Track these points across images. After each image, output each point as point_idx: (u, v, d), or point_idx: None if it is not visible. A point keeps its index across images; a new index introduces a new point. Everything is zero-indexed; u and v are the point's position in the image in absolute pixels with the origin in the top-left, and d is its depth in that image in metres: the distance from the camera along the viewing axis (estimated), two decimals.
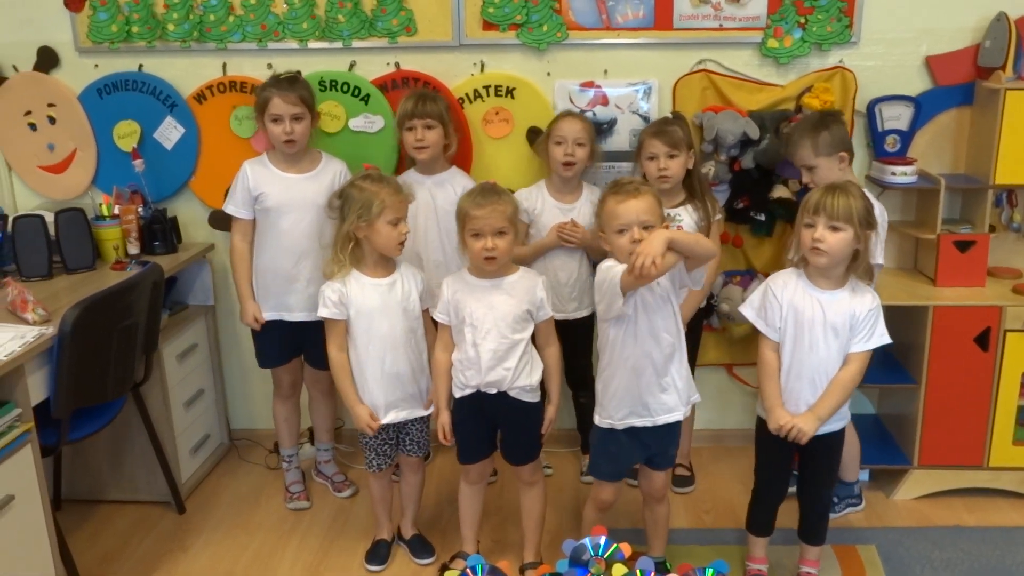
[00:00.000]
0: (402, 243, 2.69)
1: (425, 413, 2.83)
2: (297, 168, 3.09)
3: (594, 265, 3.11)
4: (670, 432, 2.59)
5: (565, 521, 3.13)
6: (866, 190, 2.86)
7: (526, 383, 2.65)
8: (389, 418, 2.78)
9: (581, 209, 3.11)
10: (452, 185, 3.12)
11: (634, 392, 2.51)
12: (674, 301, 2.50)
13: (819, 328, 2.48)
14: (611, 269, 2.41)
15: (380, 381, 2.75)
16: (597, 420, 2.60)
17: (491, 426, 2.75)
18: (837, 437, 2.61)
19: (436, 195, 3.10)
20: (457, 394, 2.70)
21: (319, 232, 3.06)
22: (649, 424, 2.54)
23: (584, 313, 3.19)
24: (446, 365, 2.71)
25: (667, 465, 2.67)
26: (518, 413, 2.68)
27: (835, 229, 2.40)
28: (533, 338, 2.69)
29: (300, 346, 3.23)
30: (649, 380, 2.50)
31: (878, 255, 2.82)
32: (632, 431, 2.55)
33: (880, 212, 2.83)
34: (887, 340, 2.51)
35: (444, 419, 2.72)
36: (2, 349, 2.40)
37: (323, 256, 3.05)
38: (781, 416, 2.51)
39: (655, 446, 2.59)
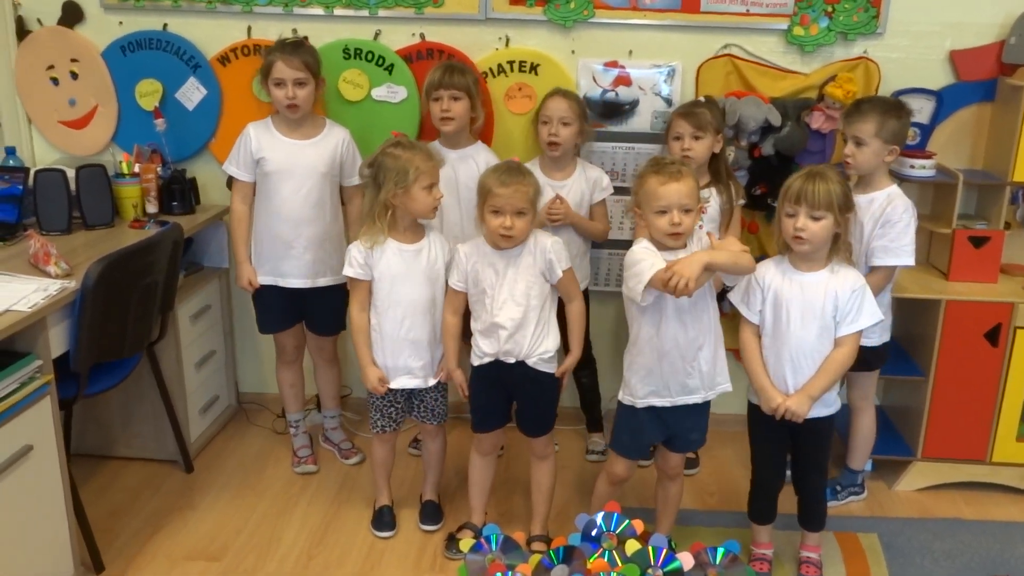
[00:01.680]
0: (435, 208, 2.71)
1: (433, 383, 2.85)
2: (300, 133, 3.09)
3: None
4: (691, 415, 2.60)
5: (571, 497, 3.16)
6: (899, 187, 2.91)
7: (543, 351, 2.68)
8: (399, 383, 2.82)
9: (572, 187, 3.13)
10: (475, 160, 3.13)
11: (656, 373, 2.54)
12: (708, 293, 2.51)
13: (797, 309, 2.51)
14: (644, 261, 2.40)
15: (396, 346, 2.78)
16: (620, 396, 2.64)
17: (507, 396, 2.78)
18: (826, 423, 2.63)
19: (458, 170, 3.09)
20: (475, 362, 2.73)
21: (319, 199, 3.08)
22: (668, 404, 2.56)
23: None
24: (456, 327, 2.76)
25: (685, 448, 2.70)
26: (534, 383, 2.71)
27: (816, 218, 2.43)
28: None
29: (300, 312, 3.25)
30: (674, 363, 2.52)
31: (905, 255, 2.83)
32: (652, 410, 2.58)
33: (908, 208, 2.86)
34: (878, 318, 2.54)
35: (458, 377, 2.77)
36: (26, 301, 2.41)
37: (322, 224, 3.06)
38: (774, 396, 2.54)
39: (675, 427, 2.62)
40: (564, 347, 2.82)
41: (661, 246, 2.46)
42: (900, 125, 2.87)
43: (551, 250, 2.67)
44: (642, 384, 2.56)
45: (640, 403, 2.58)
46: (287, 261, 3.11)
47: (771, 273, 2.56)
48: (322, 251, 3.12)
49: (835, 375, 2.54)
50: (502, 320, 2.64)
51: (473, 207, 3.02)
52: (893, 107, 2.90)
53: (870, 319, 2.52)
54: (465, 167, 3.10)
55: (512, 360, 2.68)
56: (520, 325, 2.64)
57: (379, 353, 2.81)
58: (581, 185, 3.13)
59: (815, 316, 2.50)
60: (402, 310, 2.75)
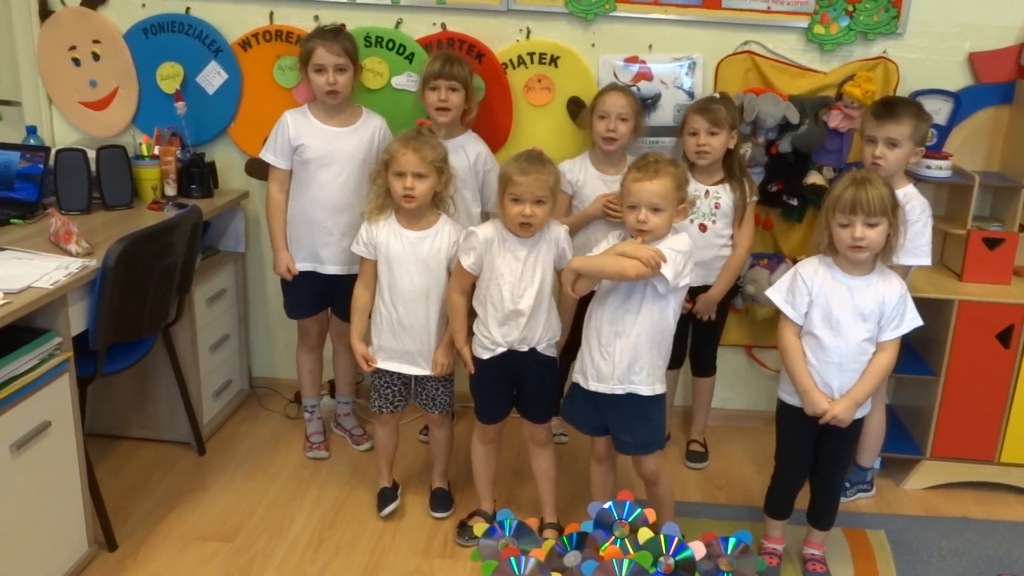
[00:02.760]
0: (407, 197, 2.71)
1: (427, 373, 2.86)
2: (338, 121, 3.11)
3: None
4: (621, 413, 2.61)
5: (581, 487, 3.17)
6: (915, 187, 2.91)
7: (551, 335, 2.74)
8: (388, 365, 2.86)
9: None
10: (465, 150, 3.14)
11: (583, 351, 2.65)
12: (651, 295, 2.51)
13: (848, 314, 2.51)
14: (597, 246, 2.63)
15: (388, 328, 2.82)
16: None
17: (513, 385, 2.80)
18: (856, 425, 2.64)
19: (450, 160, 3.10)
20: (484, 355, 2.74)
21: (357, 186, 3.09)
22: (584, 386, 2.63)
23: None
24: (464, 306, 2.77)
25: (622, 450, 2.69)
26: (542, 367, 2.75)
27: (872, 225, 2.42)
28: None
29: (329, 299, 3.27)
30: (591, 341, 2.60)
31: (922, 255, 2.85)
32: (582, 389, 2.65)
33: (925, 208, 2.87)
34: (919, 322, 2.54)
35: (467, 353, 2.78)
36: (47, 278, 2.43)
37: (359, 211, 3.08)
38: (820, 401, 2.52)
39: (607, 418, 2.65)
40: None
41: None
42: (927, 128, 2.91)
43: (564, 239, 2.72)
44: (579, 359, 2.68)
45: (573, 377, 2.70)
46: (325, 248, 3.13)
47: (819, 275, 2.54)
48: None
49: (879, 380, 2.56)
50: (523, 307, 2.66)
51: (465, 196, 3.11)
52: (922, 110, 2.92)
53: (912, 323, 2.53)
54: (456, 157, 3.10)
55: (525, 348, 2.70)
56: (536, 312, 2.68)
57: (375, 332, 2.85)
58: None
59: (864, 320, 2.51)
60: (397, 294, 2.79)
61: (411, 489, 3.15)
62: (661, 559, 2.05)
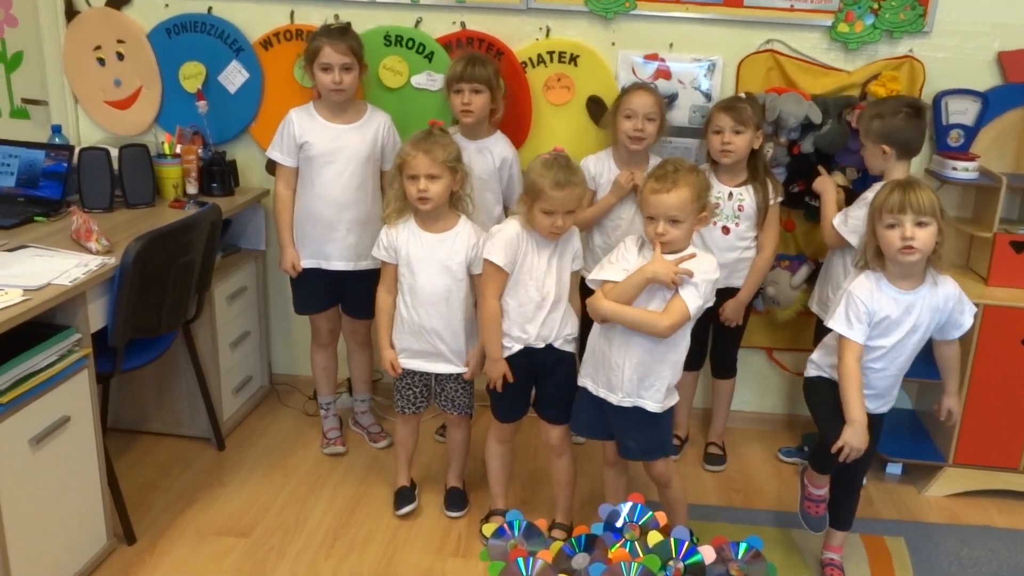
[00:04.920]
0: (422, 199, 2.70)
1: (449, 371, 2.86)
2: (343, 118, 3.12)
3: None
4: (628, 419, 2.58)
5: (597, 488, 3.15)
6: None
7: (568, 332, 2.74)
8: (410, 365, 2.87)
9: None
10: (492, 153, 3.13)
11: (589, 357, 2.64)
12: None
13: (907, 330, 2.48)
14: (611, 265, 2.55)
15: (408, 329, 2.83)
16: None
17: (531, 383, 2.80)
18: (880, 422, 2.62)
19: (474, 162, 3.08)
20: (507, 353, 2.74)
21: (362, 183, 3.10)
22: (593, 391, 2.62)
23: None
24: (499, 314, 2.70)
25: (623, 453, 2.67)
26: (561, 362, 2.75)
27: (922, 224, 2.36)
28: None
29: (339, 295, 3.28)
30: (604, 352, 2.57)
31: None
32: (590, 394, 2.63)
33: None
34: (974, 309, 2.57)
35: (504, 368, 2.72)
36: (67, 275, 2.46)
37: (364, 207, 3.11)
38: (857, 437, 2.44)
39: (613, 423, 2.63)
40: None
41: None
42: (883, 125, 2.86)
43: (577, 240, 2.75)
44: (584, 363, 2.66)
45: (580, 381, 2.67)
46: (330, 244, 3.15)
47: (875, 294, 2.46)
48: (364, 234, 3.15)
49: (960, 367, 2.69)
50: (548, 303, 2.67)
51: (486, 200, 3.11)
52: (884, 108, 2.90)
53: (971, 316, 2.54)
54: (481, 159, 3.11)
55: (542, 344, 2.71)
56: (556, 307, 2.69)
57: (397, 334, 2.86)
58: None
59: (915, 332, 2.49)
60: (416, 296, 2.79)
61: (426, 488, 3.15)
62: (670, 563, 2.03)
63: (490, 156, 3.13)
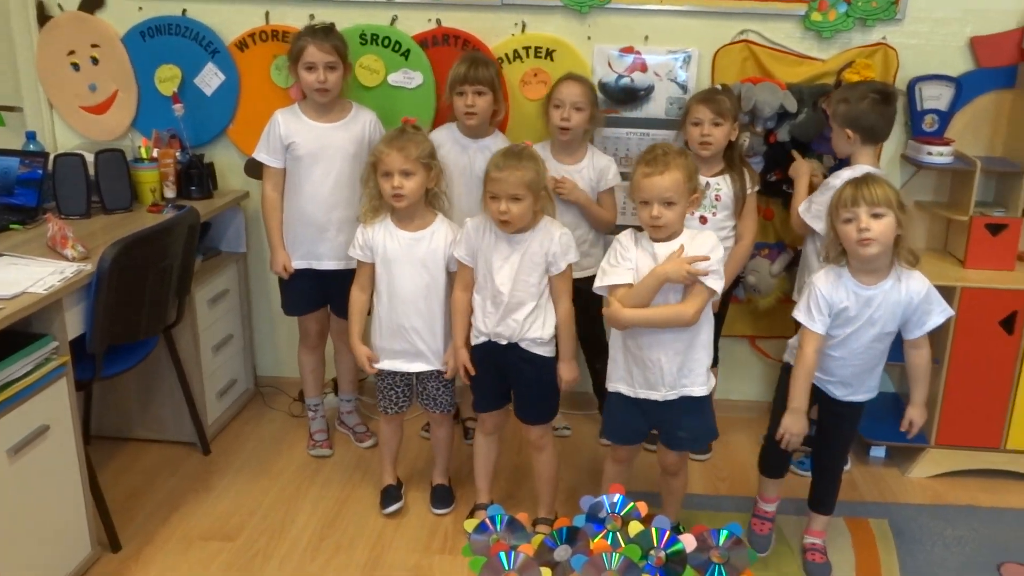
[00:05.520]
0: (396, 196, 2.71)
1: (428, 368, 2.86)
2: (328, 117, 3.12)
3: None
4: (673, 412, 2.56)
5: (583, 480, 3.17)
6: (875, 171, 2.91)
7: (537, 335, 2.69)
8: (388, 365, 2.87)
9: (582, 172, 3.13)
10: (490, 151, 3.12)
11: (619, 361, 2.58)
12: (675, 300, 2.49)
13: (864, 322, 2.49)
14: (616, 268, 2.48)
15: (387, 329, 2.83)
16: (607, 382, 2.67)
17: (503, 378, 2.80)
18: (861, 408, 2.65)
19: (475, 160, 3.09)
20: (472, 340, 2.76)
21: (349, 181, 3.10)
22: (632, 395, 2.57)
23: (586, 274, 3.20)
24: (465, 304, 2.76)
25: (676, 446, 2.66)
26: (529, 365, 2.72)
27: (878, 216, 2.37)
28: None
29: (327, 295, 3.28)
30: (634, 354, 2.53)
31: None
32: (627, 398, 2.59)
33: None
34: (949, 313, 2.52)
35: (463, 356, 2.77)
36: (42, 283, 2.45)
37: (353, 205, 3.10)
38: (797, 423, 2.54)
39: (657, 419, 2.60)
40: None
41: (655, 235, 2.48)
42: (848, 109, 2.88)
43: (559, 242, 2.66)
44: (613, 368, 2.61)
45: (611, 387, 2.62)
46: (321, 244, 3.15)
47: (836, 291, 2.49)
48: (353, 233, 3.14)
49: (929, 374, 2.63)
50: (499, 299, 2.66)
51: (479, 198, 3.08)
52: (851, 92, 2.92)
53: (942, 316, 2.51)
54: (482, 157, 3.10)
55: (504, 342, 2.70)
56: (515, 307, 2.66)
57: (374, 334, 2.86)
58: (590, 172, 3.13)
59: (874, 326, 2.50)
60: (394, 295, 2.80)
61: (412, 486, 3.16)
62: (652, 552, 2.04)
63: (489, 154, 3.12)
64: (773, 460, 2.80)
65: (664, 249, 2.47)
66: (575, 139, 3.10)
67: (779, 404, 2.69)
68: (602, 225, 3.20)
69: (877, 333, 2.50)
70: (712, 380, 2.60)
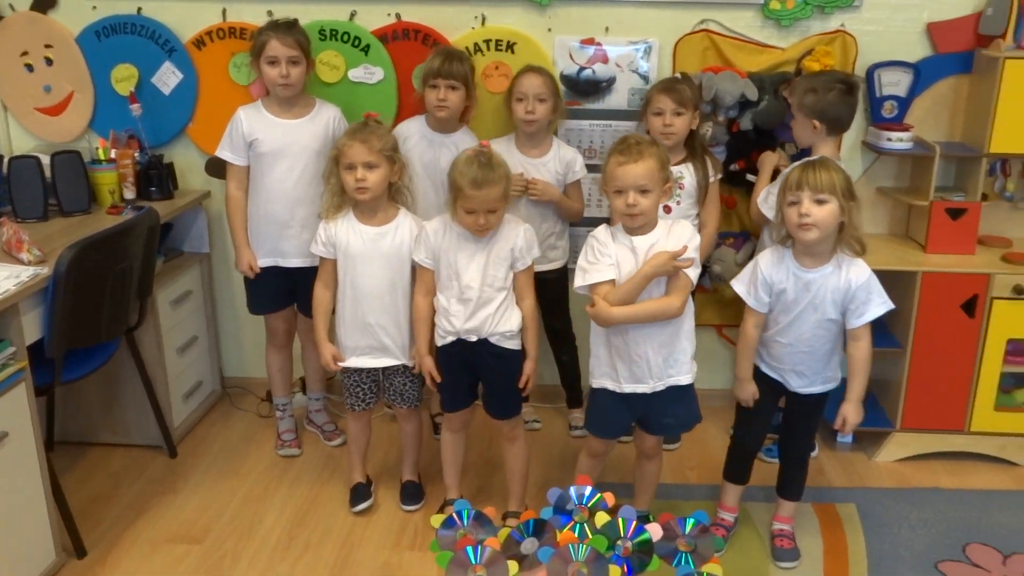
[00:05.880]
0: (359, 189, 2.70)
1: (394, 363, 2.85)
2: (292, 114, 3.09)
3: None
4: (660, 401, 2.57)
5: (553, 473, 3.17)
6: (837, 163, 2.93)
7: (505, 329, 2.69)
8: (354, 362, 2.85)
9: (548, 165, 3.13)
10: (459, 147, 3.10)
11: (603, 357, 2.58)
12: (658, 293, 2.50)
13: (805, 306, 2.52)
14: (596, 265, 2.48)
15: (352, 325, 2.82)
16: (590, 378, 2.67)
17: (472, 375, 2.78)
18: (822, 398, 2.67)
19: (441, 155, 3.09)
20: (439, 342, 2.74)
21: (314, 178, 3.07)
22: (617, 390, 2.58)
23: (553, 266, 3.21)
24: (426, 311, 2.74)
25: (660, 432, 2.69)
26: (498, 360, 2.71)
27: (820, 202, 2.40)
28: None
29: (293, 293, 3.25)
30: (619, 350, 2.53)
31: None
32: (613, 393, 2.59)
33: None
34: (889, 306, 2.52)
35: (428, 364, 2.76)
36: None
37: (318, 202, 3.07)
38: (743, 391, 2.65)
39: (643, 409, 2.61)
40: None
41: (631, 228, 2.49)
42: (816, 100, 2.88)
43: (523, 237, 2.67)
44: (596, 365, 2.61)
45: (596, 383, 2.62)
46: (286, 241, 3.12)
47: (778, 266, 2.53)
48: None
49: (867, 369, 2.59)
50: (469, 296, 2.65)
51: (444, 193, 3.07)
52: (817, 82, 2.92)
53: (880, 309, 2.52)
54: (449, 153, 3.09)
55: (474, 338, 2.68)
56: (484, 304, 2.65)
57: (339, 331, 2.84)
58: (556, 165, 3.13)
59: (815, 311, 2.51)
60: (359, 291, 2.78)
61: (382, 482, 3.14)
62: (619, 542, 2.04)
63: (456, 151, 3.10)
64: (737, 465, 2.83)
65: (642, 242, 2.48)
66: (540, 131, 3.10)
67: (741, 409, 2.75)
68: (573, 216, 3.21)
69: (820, 319, 2.52)
70: (695, 366, 2.62)
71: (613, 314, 2.44)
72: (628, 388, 2.56)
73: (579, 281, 2.51)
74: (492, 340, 2.68)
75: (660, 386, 2.55)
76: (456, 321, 2.67)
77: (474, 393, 2.83)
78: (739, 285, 2.63)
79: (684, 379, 2.57)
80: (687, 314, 2.53)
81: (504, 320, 2.68)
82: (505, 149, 3.13)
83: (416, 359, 2.82)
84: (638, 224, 2.45)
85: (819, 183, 2.38)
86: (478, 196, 2.54)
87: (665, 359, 2.53)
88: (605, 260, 2.48)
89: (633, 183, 2.40)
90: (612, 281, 2.46)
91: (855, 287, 2.47)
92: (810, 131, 2.92)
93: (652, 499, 2.84)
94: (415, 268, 2.78)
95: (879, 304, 2.51)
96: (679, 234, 2.46)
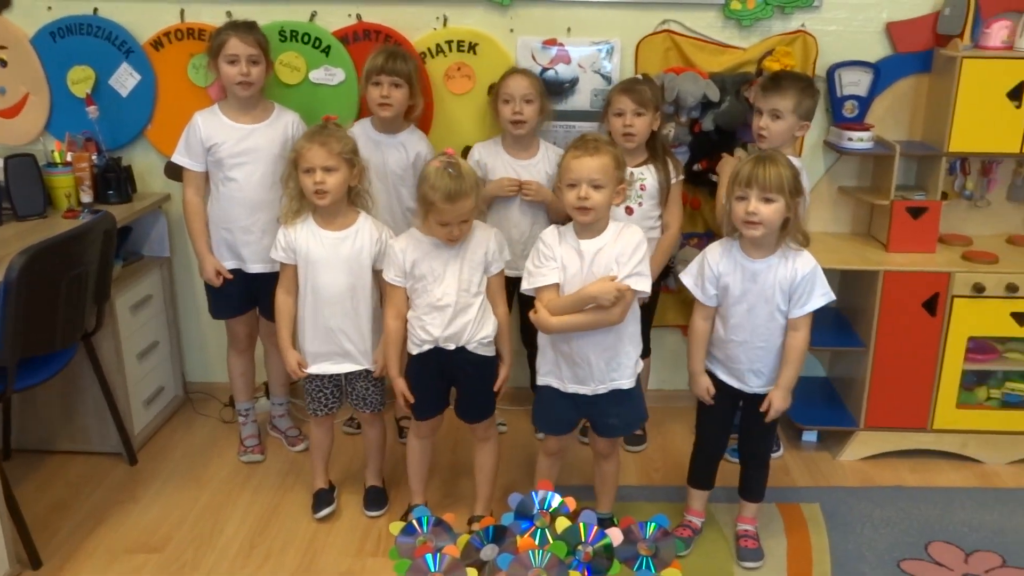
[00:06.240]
0: (318, 193, 2.67)
1: (356, 368, 2.83)
2: (250, 117, 3.05)
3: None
4: (604, 401, 2.58)
5: (518, 477, 3.16)
6: (792, 158, 2.94)
7: (483, 335, 2.67)
8: (316, 369, 2.82)
9: (537, 165, 3.12)
10: (406, 148, 3.11)
11: (548, 356, 2.59)
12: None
13: (752, 297, 2.53)
14: (541, 268, 2.49)
15: (313, 331, 2.79)
16: (536, 375, 2.68)
17: (446, 383, 2.76)
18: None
19: (388, 156, 3.07)
20: (414, 351, 2.71)
21: (274, 182, 3.03)
22: (561, 388, 2.59)
23: None
24: (399, 333, 2.71)
25: (606, 433, 2.69)
26: (474, 367, 2.70)
27: (768, 201, 2.42)
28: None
29: (255, 298, 3.21)
30: (561, 349, 2.54)
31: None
32: (557, 391, 2.60)
33: (805, 182, 2.90)
34: (830, 298, 2.55)
35: (400, 385, 2.73)
36: None
37: (277, 207, 3.03)
38: (700, 382, 2.67)
39: (587, 410, 2.62)
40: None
41: (580, 229, 2.49)
42: (813, 104, 2.97)
43: (494, 243, 2.66)
44: (543, 363, 2.62)
45: (541, 380, 2.63)
46: (247, 247, 3.08)
47: (723, 261, 2.56)
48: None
49: (801, 360, 2.59)
50: (446, 302, 2.62)
51: (403, 194, 3.09)
52: (809, 85, 2.98)
53: (822, 300, 2.53)
54: (396, 154, 3.09)
55: (452, 346, 2.66)
56: (463, 310, 2.63)
57: (301, 338, 2.81)
58: (545, 165, 3.12)
59: (767, 302, 2.53)
60: (319, 296, 2.75)
61: (346, 488, 3.11)
62: (580, 547, 2.03)
63: (404, 151, 3.10)
64: (701, 472, 2.84)
65: (589, 246, 2.48)
66: (529, 132, 3.09)
67: (702, 414, 2.77)
68: (564, 217, 3.19)
69: (772, 311, 2.53)
70: (639, 367, 2.62)
71: (552, 323, 2.47)
72: (571, 388, 2.58)
73: (524, 284, 2.54)
74: (470, 348, 2.66)
75: (602, 389, 2.57)
76: (434, 329, 2.64)
77: (446, 400, 2.81)
78: (687, 278, 2.66)
79: (626, 383, 2.58)
80: (631, 319, 2.54)
81: (482, 327, 2.67)
82: (493, 152, 3.13)
83: (378, 369, 2.81)
84: (588, 220, 2.45)
85: (768, 182, 2.40)
86: (452, 210, 2.52)
87: (608, 363, 2.54)
88: (549, 264, 2.50)
89: (587, 176, 2.41)
90: (556, 285, 2.48)
91: (800, 277, 2.50)
92: (796, 131, 2.95)
93: (614, 500, 2.84)
94: (375, 271, 2.76)
95: (821, 295, 2.53)
96: (628, 239, 2.47)
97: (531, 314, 2.52)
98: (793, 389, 2.61)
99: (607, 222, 2.50)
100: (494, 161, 3.12)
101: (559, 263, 2.49)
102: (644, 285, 2.45)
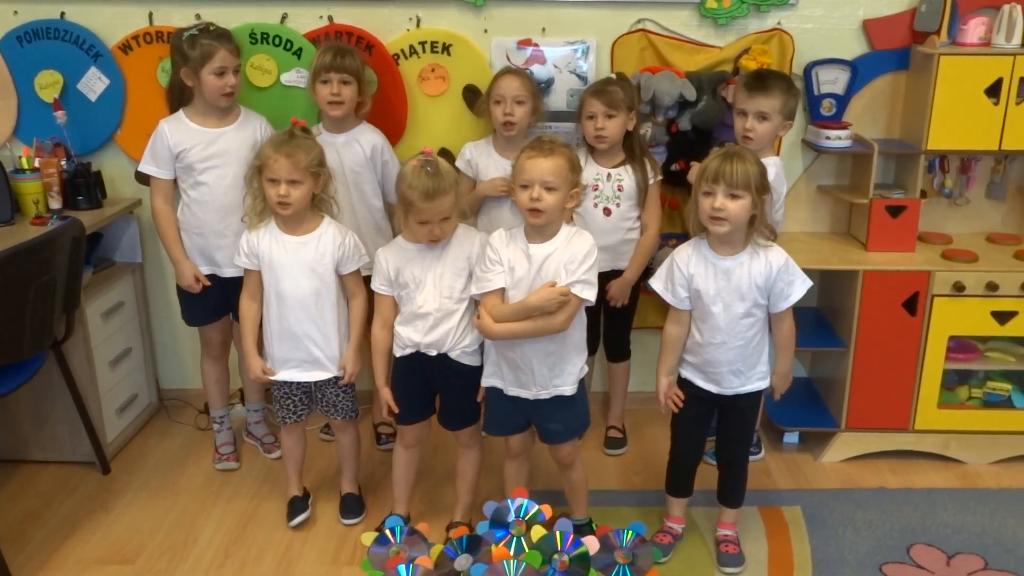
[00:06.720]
0: (282, 204, 2.63)
1: (325, 376, 2.80)
2: (217, 121, 3.01)
3: None
4: (545, 406, 2.57)
5: (497, 485, 3.11)
6: (772, 157, 2.93)
7: (466, 344, 2.63)
8: (284, 376, 2.79)
9: None
10: (360, 143, 3.07)
11: (492, 356, 2.58)
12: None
13: (727, 295, 2.51)
14: (488, 273, 2.49)
15: (279, 337, 2.76)
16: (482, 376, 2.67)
17: (430, 388, 2.73)
18: (756, 398, 2.66)
19: (344, 155, 3.03)
20: (398, 353, 2.68)
21: (244, 185, 2.99)
22: (504, 390, 2.58)
23: None
24: (385, 343, 2.69)
25: (550, 439, 2.65)
26: (458, 376, 2.66)
27: (734, 197, 2.40)
28: None
29: (228, 303, 3.16)
30: (503, 351, 2.53)
31: (778, 215, 2.93)
32: (501, 392, 2.59)
33: (780, 180, 2.95)
34: (808, 284, 2.54)
35: (386, 395, 2.71)
36: None
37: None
38: (663, 384, 2.64)
39: (531, 413, 2.61)
40: None
41: (531, 233, 2.48)
42: (796, 103, 2.97)
43: (479, 247, 2.62)
44: (488, 364, 2.61)
45: (486, 382, 2.62)
46: (220, 252, 3.04)
47: (692, 261, 2.54)
48: None
49: (793, 344, 2.62)
50: (427, 310, 2.59)
51: (363, 192, 3.06)
52: (792, 84, 2.98)
53: (803, 287, 2.53)
54: (350, 151, 3.04)
55: (434, 352, 2.63)
56: (444, 317, 2.60)
57: (268, 343, 2.79)
58: None
59: (740, 299, 2.50)
60: (283, 302, 2.72)
61: (322, 496, 3.07)
62: (556, 556, 2.00)
63: (359, 147, 3.06)
64: (677, 480, 2.81)
65: (539, 250, 2.47)
66: (520, 133, 3.05)
67: (677, 423, 2.74)
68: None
69: (748, 307, 2.51)
70: (582, 373, 2.60)
71: (495, 330, 2.46)
72: (513, 392, 2.57)
73: (472, 289, 2.54)
74: (452, 355, 2.63)
75: (544, 395, 2.55)
76: (415, 335, 2.61)
77: (431, 406, 2.78)
78: (656, 283, 2.64)
79: (568, 390, 2.56)
80: (576, 327, 2.52)
81: (466, 334, 2.63)
82: (484, 152, 3.10)
83: (347, 376, 2.79)
84: (540, 222, 2.43)
85: (735, 178, 2.38)
86: (431, 208, 2.49)
87: (551, 369, 2.52)
88: (495, 268, 2.48)
89: (540, 177, 2.39)
90: (502, 290, 2.47)
91: (776, 270, 2.49)
92: (779, 131, 2.94)
93: (587, 505, 2.80)
94: (340, 276, 2.75)
95: (801, 283, 2.53)
96: (579, 245, 2.45)
97: (475, 320, 2.52)
98: (790, 371, 2.66)
99: (559, 226, 2.49)
100: (485, 161, 3.08)
101: (505, 267, 2.48)
102: (589, 294, 2.44)
